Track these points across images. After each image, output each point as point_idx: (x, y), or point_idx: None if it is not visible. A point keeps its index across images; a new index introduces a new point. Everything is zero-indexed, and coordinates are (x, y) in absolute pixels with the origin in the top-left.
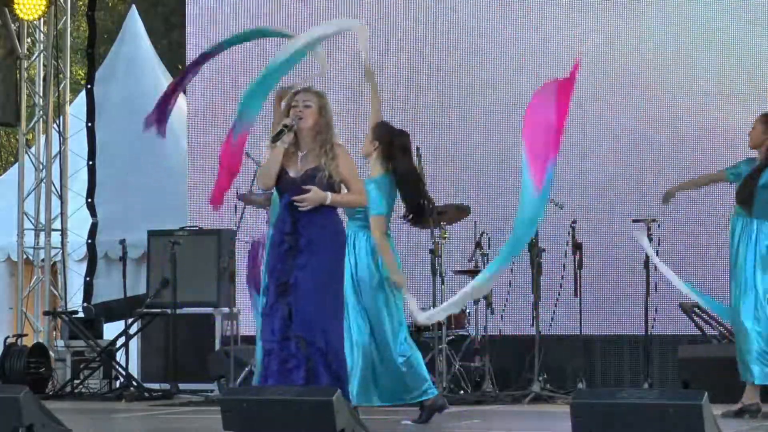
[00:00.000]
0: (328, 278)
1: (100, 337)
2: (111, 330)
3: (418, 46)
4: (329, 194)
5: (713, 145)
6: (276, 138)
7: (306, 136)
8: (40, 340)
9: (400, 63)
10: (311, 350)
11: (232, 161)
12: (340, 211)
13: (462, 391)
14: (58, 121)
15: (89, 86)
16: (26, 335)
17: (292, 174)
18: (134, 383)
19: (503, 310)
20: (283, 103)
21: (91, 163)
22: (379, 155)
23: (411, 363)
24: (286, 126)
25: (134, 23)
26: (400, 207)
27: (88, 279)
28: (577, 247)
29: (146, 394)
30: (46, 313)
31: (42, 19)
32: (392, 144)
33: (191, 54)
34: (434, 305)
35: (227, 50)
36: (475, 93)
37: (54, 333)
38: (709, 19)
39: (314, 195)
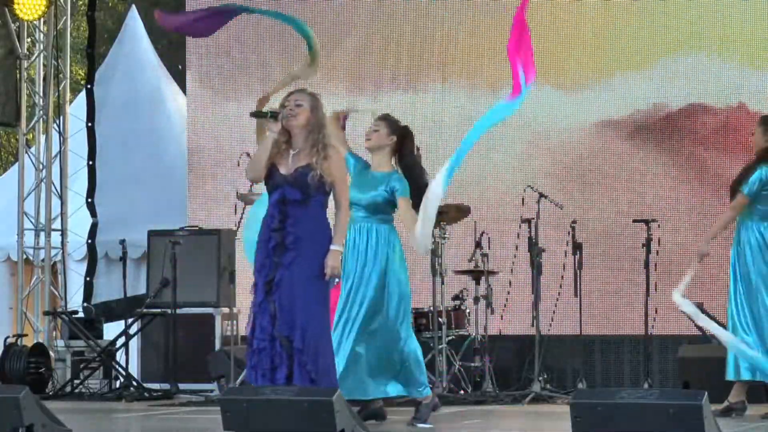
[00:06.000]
0: (313, 278)
1: (100, 337)
2: (111, 330)
3: (417, 46)
4: (336, 246)
5: (715, 144)
6: (256, 114)
7: (298, 135)
8: (40, 340)
9: (400, 63)
10: (292, 349)
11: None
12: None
13: (462, 391)
14: (58, 121)
15: (89, 86)
16: (26, 335)
17: (282, 171)
18: (134, 383)
19: (503, 310)
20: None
21: (91, 163)
22: (392, 148)
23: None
24: (271, 111)
25: (134, 23)
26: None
27: (88, 279)
28: (577, 247)
29: (146, 394)
30: (46, 313)
31: (42, 19)
32: (405, 138)
33: (191, 54)
34: (434, 305)
35: (226, 52)
36: (476, 93)
37: (54, 333)
38: (709, 17)
39: (332, 261)
